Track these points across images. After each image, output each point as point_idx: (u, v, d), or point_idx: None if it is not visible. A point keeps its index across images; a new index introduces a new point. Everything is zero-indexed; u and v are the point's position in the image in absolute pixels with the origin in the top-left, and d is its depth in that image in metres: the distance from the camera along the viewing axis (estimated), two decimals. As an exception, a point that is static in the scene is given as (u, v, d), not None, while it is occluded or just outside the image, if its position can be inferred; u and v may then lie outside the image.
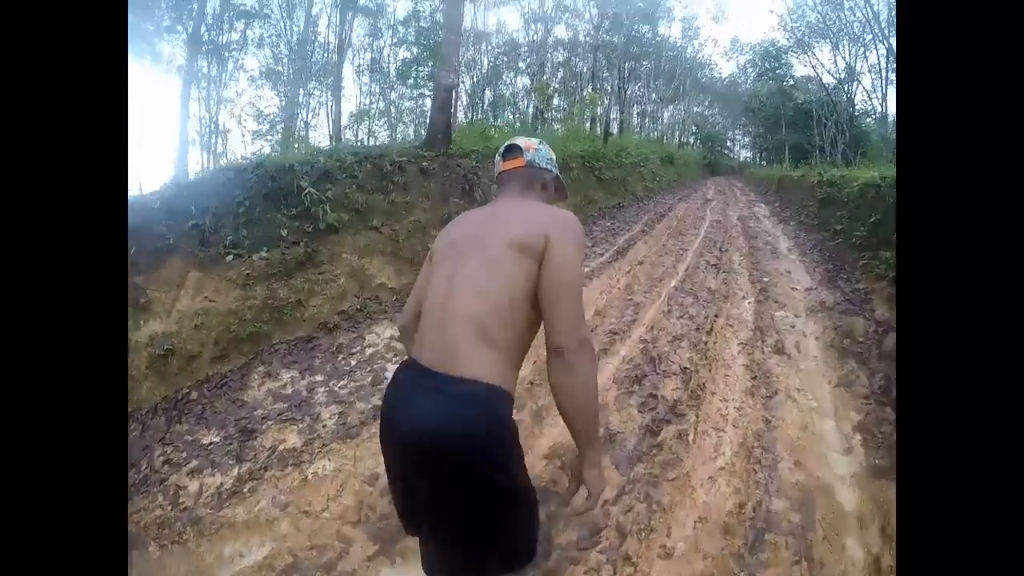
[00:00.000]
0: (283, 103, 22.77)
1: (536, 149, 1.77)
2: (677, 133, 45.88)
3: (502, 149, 1.79)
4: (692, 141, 49.27)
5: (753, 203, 17.52)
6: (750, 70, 46.08)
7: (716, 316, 6.03)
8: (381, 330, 5.38)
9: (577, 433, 1.42)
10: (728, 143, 56.24)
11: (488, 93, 34.04)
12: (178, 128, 15.95)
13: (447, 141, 9.01)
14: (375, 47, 27.18)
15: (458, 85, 10.41)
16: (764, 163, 44.63)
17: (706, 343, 5.28)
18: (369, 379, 4.42)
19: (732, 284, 7.32)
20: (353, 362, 4.75)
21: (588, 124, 19.70)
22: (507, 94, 33.33)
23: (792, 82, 40.05)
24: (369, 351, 4.96)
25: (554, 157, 1.85)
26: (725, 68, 69.91)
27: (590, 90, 20.49)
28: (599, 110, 19.31)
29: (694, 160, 37.36)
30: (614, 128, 33.70)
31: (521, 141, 1.77)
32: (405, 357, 1.66)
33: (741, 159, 54.27)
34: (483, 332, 1.35)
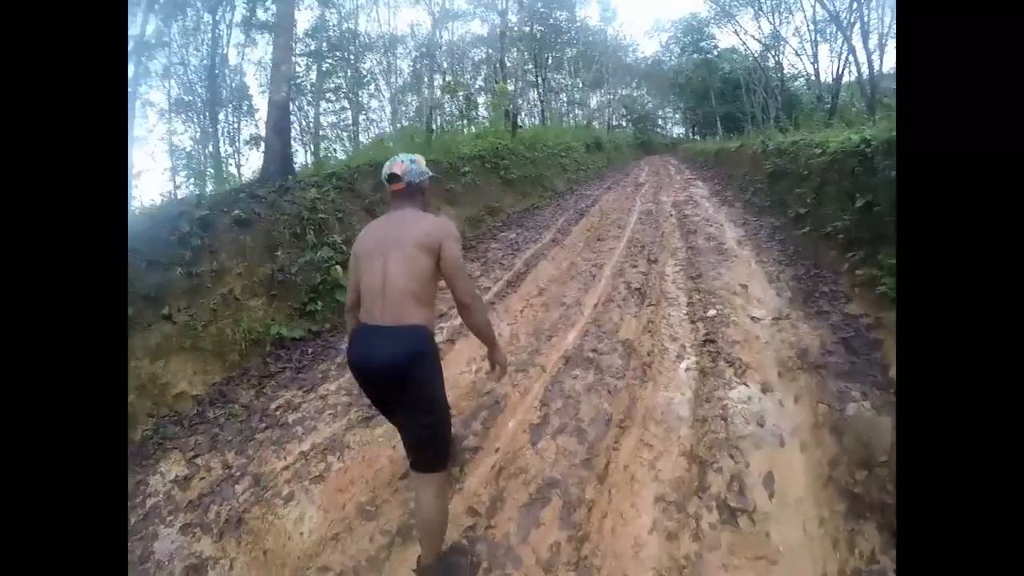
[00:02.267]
0: (197, 135, 21.93)
1: (408, 170, 2.38)
2: (606, 117, 43.72)
3: (385, 178, 2.41)
4: (624, 124, 47.40)
5: (690, 182, 14.98)
6: (673, 46, 44.60)
7: (623, 423, 3.39)
8: (169, 468, 3.58)
9: (484, 342, 2.48)
10: (660, 121, 54.32)
11: (412, 98, 31.76)
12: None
13: (286, 171, 7.52)
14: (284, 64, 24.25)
15: (291, 100, 7.59)
16: (697, 137, 42.74)
17: (590, 515, 2.71)
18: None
19: (660, 328, 4.65)
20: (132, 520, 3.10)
21: (504, 118, 16.81)
22: (431, 97, 30.70)
23: (717, 53, 38.43)
24: (150, 503, 3.24)
25: (423, 165, 2.47)
26: (648, 47, 68.93)
27: (499, 83, 17.77)
28: (507, 102, 16.37)
29: (625, 142, 35.17)
30: (533, 119, 31.79)
31: (397, 168, 2.37)
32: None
33: (674, 136, 52.31)
34: (414, 297, 2.17)
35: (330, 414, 3.84)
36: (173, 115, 22.02)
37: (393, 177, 2.37)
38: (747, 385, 3.52)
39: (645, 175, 19.76)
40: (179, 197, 7.84)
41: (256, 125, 24.35)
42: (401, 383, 2.13)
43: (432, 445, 2.22)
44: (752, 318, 4.53)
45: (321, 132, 26.44)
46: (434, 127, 14.46)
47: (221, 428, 3.87)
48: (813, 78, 26.71)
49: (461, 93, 23.48)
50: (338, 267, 5.87)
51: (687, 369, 3.86)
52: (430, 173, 2.50)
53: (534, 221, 10.75)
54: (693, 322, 4.61)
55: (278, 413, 3.96)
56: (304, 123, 26.16)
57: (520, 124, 16.57)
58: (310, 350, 5.07)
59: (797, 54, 30.01)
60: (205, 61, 21.42)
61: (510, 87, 17.17)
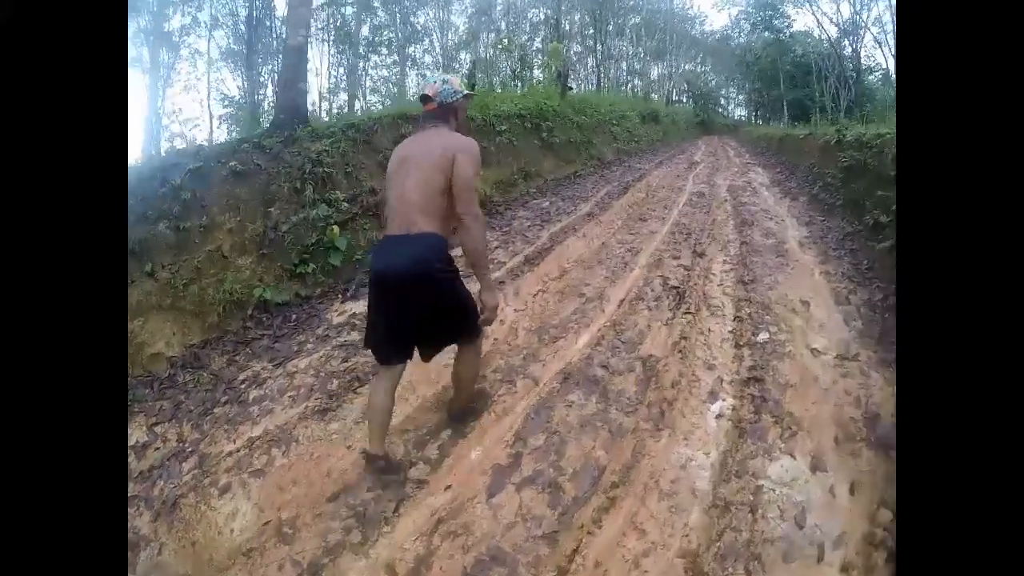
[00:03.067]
0: (245, 84, 21.44)
1: (440, 90, 2.45)
2: (666, 90, 41.70)
3: (420, 98, 2.55)
4: (684, 100, 45.10)
5: (749, 167, 13.64)
6: (744, 22, 41.93)
7: (616, 487, 2.59)
8: (131, 432, 3.30)
9: (474, 268, 2.44)
10: (722, 101, 51.78)
11: (464, 56, 30.78)
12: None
13: (298, 121, 6.60)
14: (336, 16, 25.05)
15: (308, 44, 6.62)
16: (760, 122, 40.41)
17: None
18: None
19: (695, 348, 3.69)
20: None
21: (555, 78, 15.59)
22: (486, 56, 29.70)
23: (789, 34, 36.01)
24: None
25: (457, 84, 2.52)
26: (717, 20, 65.74)
27: (553, 43, 16.47)
28: (559, 61, 15.12)
29: (684, 118, 33.23)
30: (590, 85, 30.34)
31: (429, 89, 2.47)
32: None
33: (736, 118, 49.69)
34: (421, 210, 2.29)
35: (290, 396, 3.46)
36: (222, 63, 22.10)
37: (425, 98, 2.49)
38: (793, 457, 2.57)
39: (701, 154, 18.34)
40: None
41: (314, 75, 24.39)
42: (422, 280, 2.27)
43: (464, 320, 2.49)
44: (812, 350, 3.53)
45: (371, 85, 26.52)
46: (476, 83, 13.26)
47: (187, 395, 3.63)
48: (891, 73, 24.99)
49: (516, 52, 22.41)
50: (335, 227, 5.36)
51: (719, 416, 2.93)
52: (463, 92, 2.52)
53: (572, 191, 9.71)
54: (738, 346, 3.63)
55: (243, 387, 3.65)
56: (352, 76, 26.15)
57: (571, 88, 15.21)
58: (294, 316, 4.63)
59: (877, 42, 27.91)
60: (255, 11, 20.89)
61: (563, 47, 15.73)
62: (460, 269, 2.53)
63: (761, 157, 16.15)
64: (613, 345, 3.71)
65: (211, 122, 21.69)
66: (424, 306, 2.33)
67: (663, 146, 21.54)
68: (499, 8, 31.67)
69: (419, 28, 28.28)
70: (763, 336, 3.70)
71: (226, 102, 21.38)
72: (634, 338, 3.79)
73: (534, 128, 10.60)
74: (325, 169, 5.74)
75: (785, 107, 33.10)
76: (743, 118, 48.40)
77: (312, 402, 3.34)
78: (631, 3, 34.96)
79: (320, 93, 24.90)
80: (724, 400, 3.05)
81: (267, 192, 5.22)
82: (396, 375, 2.53)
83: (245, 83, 21.49)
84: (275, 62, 22.05)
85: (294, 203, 5.33)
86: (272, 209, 5.14)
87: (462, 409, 2.94)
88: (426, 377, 3.35)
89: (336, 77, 26.54)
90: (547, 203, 8.57)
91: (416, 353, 2.61)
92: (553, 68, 15.81)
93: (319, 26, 24.04)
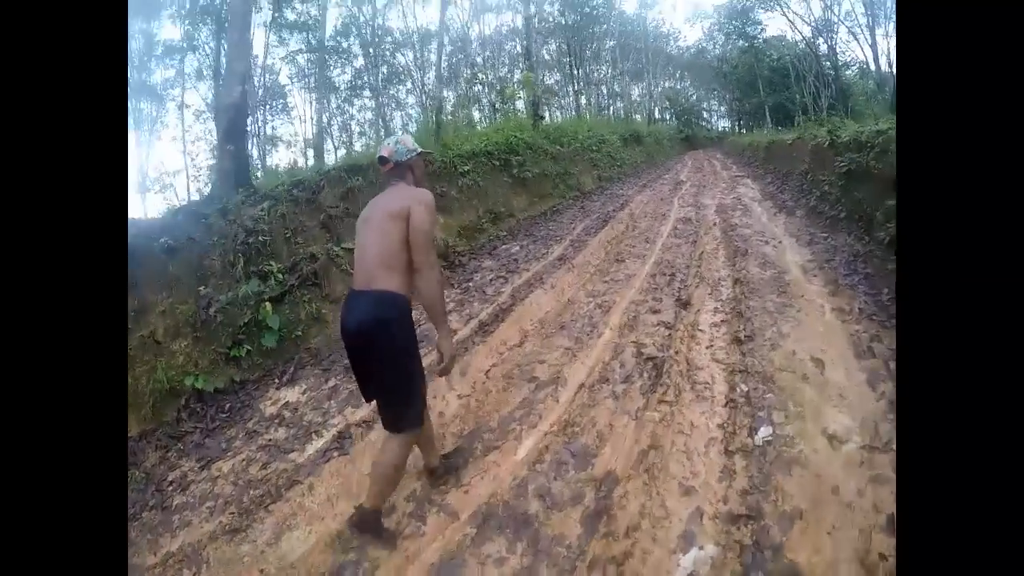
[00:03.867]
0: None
1: (394, 151, 2.47)
2: (647, 110, 41.15)
3: (377, 159, 2.52)
4: (668, 117, 44.86)
5: (737, 180, 12.74)
6: (717, 33, 41.58)
7: None
8: None
9: (430, 315, 2.31)
10: (704, 114, 51.20)
11: (448, 94, 30.13)
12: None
13: (239, 184, 6.12)
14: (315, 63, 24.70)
15: (246, 103, 7.19)
16: (743, 131, 39.73)
17: None
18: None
19: (668, 459, 2.70)
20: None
21: (531, 109, 14.81)
22: (469, 92, 29.37)
23: (763, 40, 35.57)
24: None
25: (410, 143, 2.54)
26: (691, 35, 65.81)
27: (526, 72, 15.79)
28: (531, 91, 14.39)
29: (667, 136, 32.60)
30: (570, 112, 29.83)
31: (384, 151, 2.49)
32: None
33: (719, 129, 49.15)
34: (383, 264, 2.23)
35: (208, 507, 2.99)
36: (208, 117, 21.56)
37: (382, 159, 2.50)
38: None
39: (687, 172, 17.48)
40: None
41: (291, 123, 24.14)
42: (368, 341, 2.22)
43: (395, 405, 2.33)
44: (830, 438, 2.57)
45: (358, 129, 26.54)
46: (443, 120, 12.55)
47: (122, 494, 2.94)
48: (867, 65, 24.34)
49: (489, 84, 21.89)
50: (267, 304, 4.75)
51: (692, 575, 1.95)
52: (417, 150, 2.54)
53: (547, 229, 8.80)
54: (729, 452, 2.62)
55: (169, 489, 3.25)
56: (338, 121, 26.37)
57: (543, 117, 14.41)
58: (228, 405, 4.11)
59: (852, 34, 27.28)
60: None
61: (533, 76, 14.99)
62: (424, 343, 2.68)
63: (749, 168, 15.24)
64: (559, 460, 2.73)
65: (187, 178, 21.42)
66: (373, 361, 2.28)
67: (647, 167, 20.76)
68: (475, 44, 31.28)
69: (399, 69, 27.96)
70: (763, 432, 2.69)
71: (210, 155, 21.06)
72: (589, 446, 2.80)
73: (503, 165, 9.73)
74: (261, 237, 5.16)
75: (767, 112, 32.44)
76: (726, 129, 47.98)
77: (226, 517, 2.86)
78: (605, 28, 34.64)
79: (304, 142, 24.70)
80: (702, 548, 2.06)
81: (200, 268, 4.71)
82: (400, 439, 2.37)
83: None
84: (262, 111, 22.33)
85: (228, 278, 4.79)
86: (205, 287, 4.59)
87: (364, 518, 2.41)
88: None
89: (317, 125, 26.24)
90: (517, 247, 7.64)
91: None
92: (525, 98, 15.06)
93: (297, 73, 24.50)
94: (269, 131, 23.54)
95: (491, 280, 6.11)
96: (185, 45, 20.00)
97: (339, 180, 6.43)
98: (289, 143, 24.23)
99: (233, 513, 2.88)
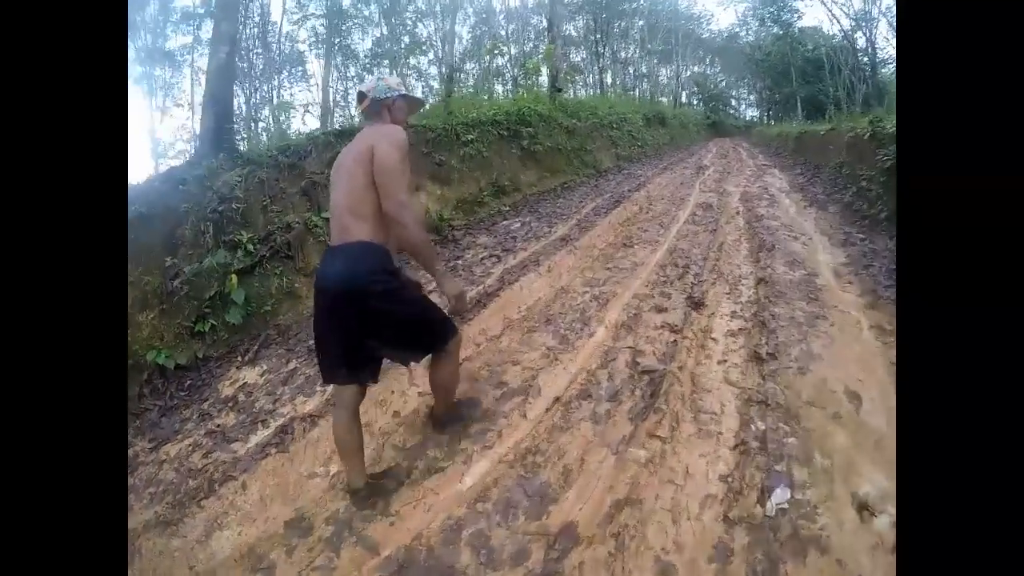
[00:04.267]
0: (254, 100, 20.08)
1: (374, 87, 2.23)
2: (674, 93, 39.90)
3: (356, 96, 2.30)
4: (695, 102, 43.35)
5: (764, 170, 11.88)
6: (751, 19, 40.08)
7: None
8: None
9: (418, 259, 2.14)
10: (733, 102, 49.70)
11: (471, 66, 29.27)
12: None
13: (224, 149, 5.55)
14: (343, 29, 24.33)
15: (234, 64, 7.04)
16: (772, 121, 38.37)
17: None
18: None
19: (643, 539, 1.94)
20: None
21: (550, 81, 13.96)
22: (493, 66, 28.64)
23: (799, 29, 34.19)
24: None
25: (395, 84, 2.27)
26: (724, 19, 63.92)
27: (548, 45, 14.89)
28: (549, 63, 13.54)
29: (693, 120, 31.47)
30: (596, 89, 28.82)
31: (364, 86, 2.27)
32: None
33: (747, 118, 47.65)
34: (352, 213, 2.02)
35: (150, 494, 2.72)
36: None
37: (360, 95, 2.29)
38: None
39: (711, 157, 16.59)
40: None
41: (310, 90, 24.38)
42: (355, 297, 1.99)
43: (421, 335, 2.18)
44: (861, 508, 1.92)
45: None
46: (452, 91, 11.85)
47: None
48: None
49: (503, 55, 21.03)
50: (233, 277, 4.40)
51: None
52: (400, 92, 2.30)
53: (554, 207, 8.08)
54: (729, 519, 1.94)
55: None
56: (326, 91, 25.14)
57: (560, 88, 13.48)
58: (187, 383, 3.84)
59: (892, 27, 25.95)
60: (255, 29, 20.44)
61: (553, 48, 14.08)
62: (415, 279, 2.45)
63: (777, 158, 14.35)
64: (510, 499, 2.11)
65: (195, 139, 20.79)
66: (367, 323, 2.02)
67: (670, 150, 19.82)
68: (502, 16, 30.33)
69: (422, 40, 27.15)
70: (779, 496, 1.99)
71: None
72: (550, 486, 2.16)
73: (511, 136, 8.98)
74: (235, 205, 4.79)
75: (799, 104, 31.15)
76: (755, 119, 46.49)
77: (162, 507, 2.61)
78: (635, 6, 33.61)
79: (321, 108, 24.26)
80: None
81: (172, 237, 4.40)
82: (352, 398, 2.18)
83: (251, 100, 20.47)
84: (277, 78, 21.84)
85: (199, 248, 4.46)
86: (174, 257, 4.30)
87: (446, 417, 2.59)
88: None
89: (335, 93, 25.59)
90: (518, 224, 6.95)
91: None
92: (545, 71, 14.19)
93: (316, 41, 23.69)
94: (288, 97, 23.03)
95: (482, 259, 5.44)
96: (203, 11, 19.44)
97: (327, 145, 5.80)
98: (306, 109, 23.85)
99: (169, 503, 2.63)
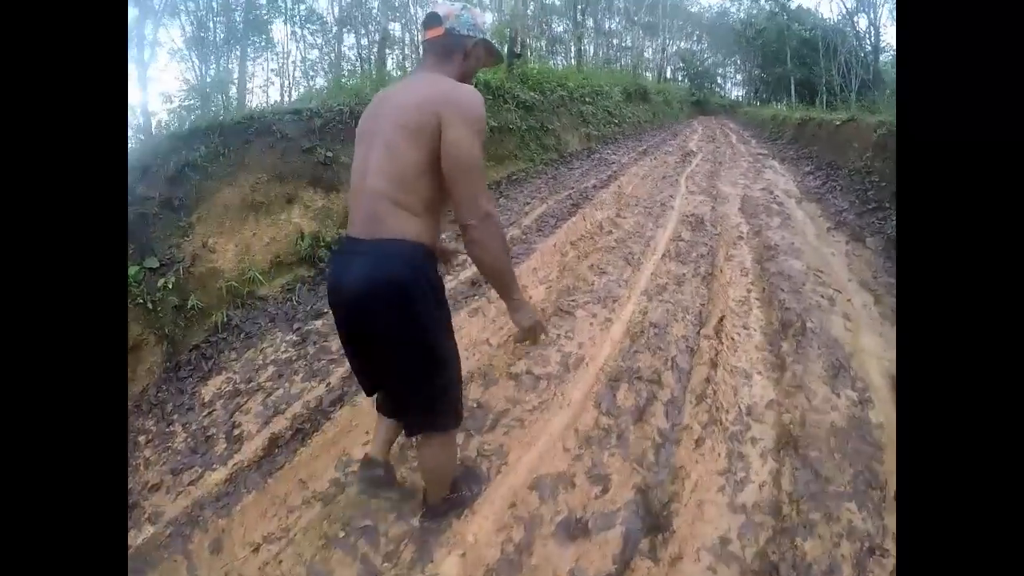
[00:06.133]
0: (218, 72, 18.63)
1: (457, 16, 1.53)
2: (658, 67, 37.62)
3: (425, 19, 1.57)
4: (680, 78, 41.07)
5: (761, 161, 9.69)
6: (743, -6, 37.94)
7: None
8: None
9: (495, 286, 1.58)
10: (719, 80, 47.23)
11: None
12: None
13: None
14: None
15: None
16: (758, 102, 36.20)
17: None
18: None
19: None
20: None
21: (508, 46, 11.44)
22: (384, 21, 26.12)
23: (794, 8, 32.20)
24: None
25: (481, 22, 1.59)
26: None
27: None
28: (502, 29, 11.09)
29: (678, 97, 29.08)
30: (566, 61, 26.42)
31: (442, 8, 1.54)
32: None
33: (732, 97, 45.26)
34: (394, 201, 1.38)
35: None
36: (188, 52, 19.11)
37: (431, 18, 1.54)
38: None
39: (697, 140, 14.29)
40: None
41: (277, 59, 22.52)
42: (372, 316, 1.42)
43: (422, 402, 1.55)
44: None
45: (349, 68, 22.60)
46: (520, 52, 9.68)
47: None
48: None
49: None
50: None
51: None
52: (484, 35, 1.58)
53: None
54: None
55: None
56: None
57: (519, 54, 10.84)
58: None
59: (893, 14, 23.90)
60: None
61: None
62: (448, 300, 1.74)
63: (774, 146, 12.11)
64: None
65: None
66: (384, 347, 1.47)
67: (652, 128, 17.48)
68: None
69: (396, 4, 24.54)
70: None
71: (190, 94, 17.75)
72: None
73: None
74: None
75: (792, 86, 29.05)
76: (740, 98, 44.40)
77: None
78: None
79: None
80: None
81: None
82: (439, 440, 1.67)
83: (218, 70, 18.76)
84: (238, 49, 19.91)
85: None
86: None
87: (440, 507, 1.83)
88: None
89: (308, 61, 23.10)
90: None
91: None
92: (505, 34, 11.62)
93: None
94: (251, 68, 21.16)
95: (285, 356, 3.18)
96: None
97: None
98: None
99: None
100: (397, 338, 1.43)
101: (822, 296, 3.49)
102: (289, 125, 4.73)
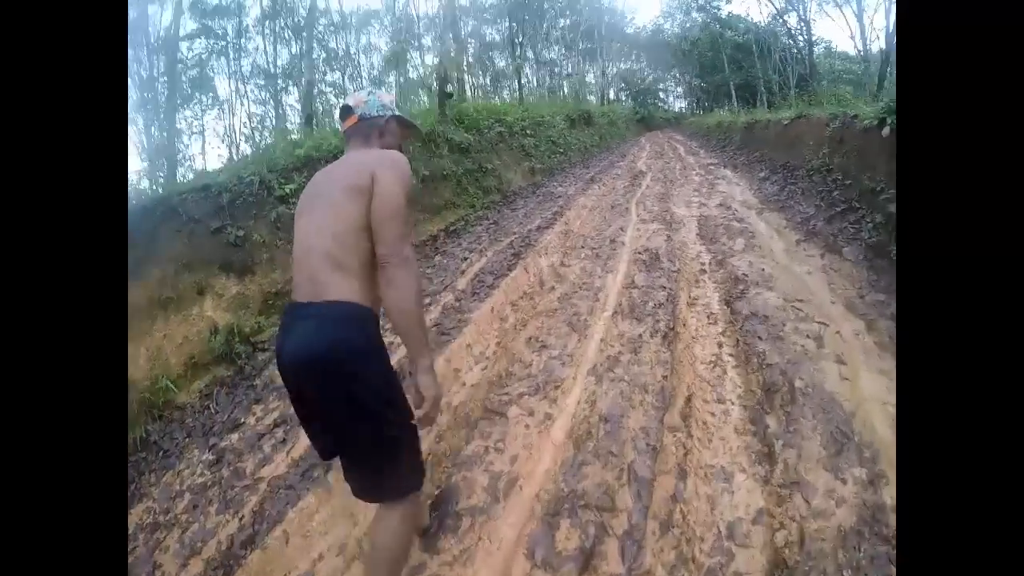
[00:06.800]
0: (163, 134, 18.18)
1: (365, 102, 1.66)
2: (601, 90, 37.71)
3: (340, 111, 1.70)
4: (623, 98, 41.25)
5: (712, 171, 9.23)
6: (675, 11, 38.92)
7: None
8: None
9: (404, 338, 1.41)
10: (661, 94, 47.74)
11: (392, 79, 26.37)
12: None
13: None
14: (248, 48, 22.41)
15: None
16: (700, 111, 36.53)
17: None
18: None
19: None
20: None
21: (440, 85, 10.84)
22: (415, 76, 25.70)
23: (726, 15, 32.68)
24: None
25: (388, 101, 1.70)
26: (647, 14, 63.31)
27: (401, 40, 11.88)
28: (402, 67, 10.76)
29: (623, 116, 29.03)
30: (510, 94, 26.37)
31: (352, 99, 1.68)
32: None
33: (676, 110, 45.74)
34: (335, 263, 1.38)
35: None
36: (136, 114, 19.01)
37: (346, 110, 1.69)
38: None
39: (646, 158, 13.84)
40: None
41: (220, 115, 22.41)
42: (322, 381, 1.36)
43: (379, 470, 1.46)
44: None
45: (289, 124, 22.37)
46: (453, 94, 9.22)
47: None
48: (833, 46, 21.56)
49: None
50: None
51: None
52: (394, 112, 1.70)
53: (421, 272, 5.03)
54: None
55: None
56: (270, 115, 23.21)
57: (451, 93, 10.25)
58: None
59: (820, 7, 24.25)
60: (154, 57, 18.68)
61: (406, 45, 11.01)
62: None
63: (723, 154, 11.68)
64: None
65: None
66: (333, 410, 1.40)
67: (599, 152, 17.08)
68: (423, 23, 27.50)
69: (339, 53, 24.33)
70: None
71: (141, 155, 18.23)
72: None
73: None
74: None
75: (732, 91, 29.33)
76: (683, 109, 45.13)
77: None
78: (559, 5, 31.58)
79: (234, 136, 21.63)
80: None
81: None
82: (398, 510, 1.52)
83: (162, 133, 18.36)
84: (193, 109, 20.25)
85: None
86: None
87: None
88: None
89: (255, 117, 22.96)
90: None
91: None
92: (434, 77, 11.06)
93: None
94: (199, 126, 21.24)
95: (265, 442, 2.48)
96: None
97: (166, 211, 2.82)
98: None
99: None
100: (351, 402, 1.35)
101: (807, 336, 2.85)
102: (195, 205, 4.14)
